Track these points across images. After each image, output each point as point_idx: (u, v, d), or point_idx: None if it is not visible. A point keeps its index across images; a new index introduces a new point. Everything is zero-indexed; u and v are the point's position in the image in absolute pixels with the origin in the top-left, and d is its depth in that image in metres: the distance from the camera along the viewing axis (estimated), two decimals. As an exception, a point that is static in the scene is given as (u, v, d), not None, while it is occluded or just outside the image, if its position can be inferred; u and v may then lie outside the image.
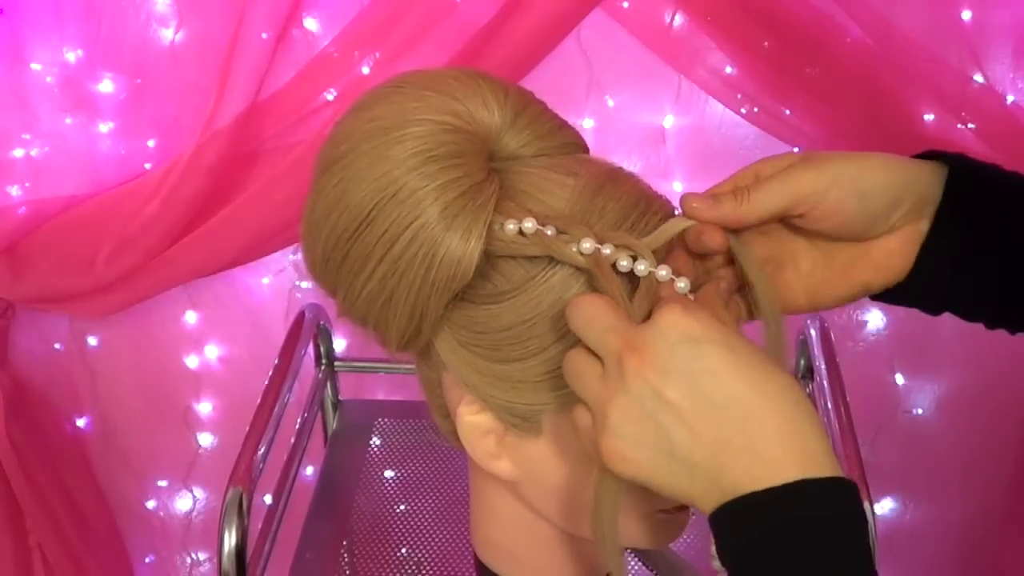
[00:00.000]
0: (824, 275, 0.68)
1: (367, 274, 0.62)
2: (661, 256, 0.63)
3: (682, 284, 0.62)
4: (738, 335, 0.57)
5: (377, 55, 1.37)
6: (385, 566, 1.22)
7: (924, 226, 0.66)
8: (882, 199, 0.65)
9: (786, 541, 0.53)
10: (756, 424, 0.54)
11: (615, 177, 0.65)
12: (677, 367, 0.55)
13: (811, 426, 0.55)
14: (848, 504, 0.54)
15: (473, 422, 0.67)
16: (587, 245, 0.61)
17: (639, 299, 0.60)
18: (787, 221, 0.66)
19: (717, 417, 0.55)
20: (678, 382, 0.55)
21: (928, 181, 0.66)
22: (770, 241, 0.68)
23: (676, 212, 0.66)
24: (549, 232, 0.61)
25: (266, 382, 1.19)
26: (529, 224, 0.61)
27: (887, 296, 0.69)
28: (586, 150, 0.69)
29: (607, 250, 0.61)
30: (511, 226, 0.62)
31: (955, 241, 0.66)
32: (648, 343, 0.56)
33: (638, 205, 0.64)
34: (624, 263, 0.61)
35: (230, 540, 1.02)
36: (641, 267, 0.61)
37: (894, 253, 0.67)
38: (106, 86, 1.45)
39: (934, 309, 0.70)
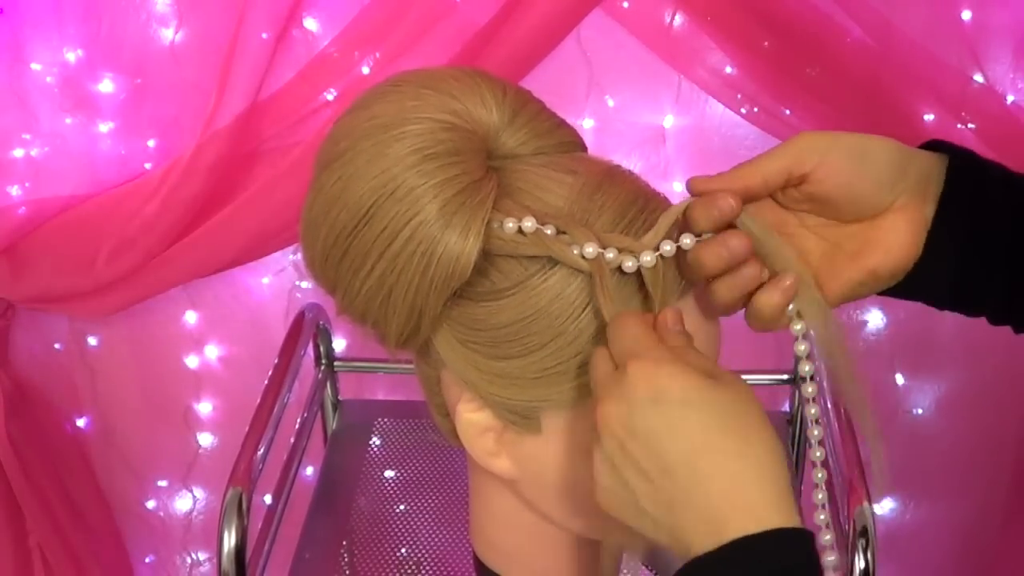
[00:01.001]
0: (833, 264, 0.68)
1: (366, 271, 0.63)
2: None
3: (668, 247, 0.62)
4: (705, 386, 0.57)
5: (377, 55, 1.37)
6: (385, 566, 1.22)
7: (929, 211, 0.66)
8: (884, 163, 0.65)
9: None
10: (703, 484, 0.56)
11: (613, 175, 0.65)
12: (638, 426, 0.57)
13: (760, 478, 0.56)
14: (791, 555, 0.55)
15: (472, 420, 0.67)
16: (590, 250, 0.61)
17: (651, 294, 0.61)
18: (793, 198, 0.66)
19: (671, 476, 0.57)
20: (639, 441, 0.58)
21: (930, 162, 0.66)
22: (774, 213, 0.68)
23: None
24: (548, 231, 0.62)
25: (266, 382, 1.19)
26: (529, 223, 0.62)
27: (895, 290, 0.69)
28: (584, 149, 0.69)
29: (610, 254, 0.61)
30: (510, 224, 0.62)
31: (961, 224, 0.66)
32: (614, 398, 0.58)
33: (636, 203, 0.64)
34: (629, 264, 0.61)
35: (230, 540, 1.02)
36: (648, 258, 0.61)
37: (901, 235, 0.66)
38: (106, 86, 1.45)
39: (940, 300, 0.70)
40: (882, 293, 0.69)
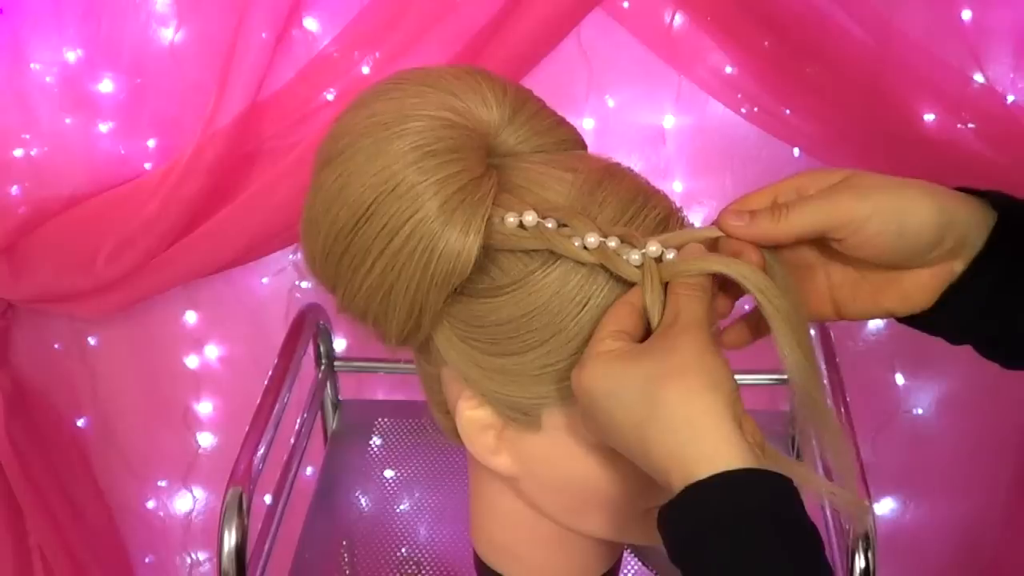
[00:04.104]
0: (852, 292, 0.67)
1: (366, 268, 0.63)
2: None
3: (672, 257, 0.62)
4: (618, 371, 0.58)
5: (377, 55, 1.37)
6: (385, 566, 1.22)
7: (958, 267, 0.64)
8: (922, 238, 0.62)
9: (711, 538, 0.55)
10: (649, 455, 0.57)
11: (613, 173, 0.65)
12: (595, 425, 0.60)
13: (690, 432, 0.56)
14: (732, 500, 0.54)
15: (472, 417, 0.67)
16: (592, 240, 0.61)
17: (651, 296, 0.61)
18: (822, 245, 0.65)
19: (634, 458, 0.59)
20: (606, 438, 0.61)
21: (971, 222, 0.63)
22: (806, 247, 0.67)
23: (675, 208, 0.66)
24: (549, 225, 0.62)
25: (266, 382, 1.19)
26: (530, 217, 0.62)
27: (910, 321, 0.68)
28: (584, 147, 0.69)
29: (612, 243, 0.61)
30: (511, 219, 0.62)
31: (985, 287, 0.64)
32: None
33: (636, 199, 0.64)
34: (636, 257, 0.61)
35: (230, 540, 1.02)
36: (653, 248, 0.61)
37: (923, 288, 0.65)
38: (106, 86, 1.45)
39: (955, 342, 0.69)
40: (899, 320, 0.68)
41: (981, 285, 0.64)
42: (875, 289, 0.66)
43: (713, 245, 0.64)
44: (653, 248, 0.61)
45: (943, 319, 0.66)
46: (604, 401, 0.58)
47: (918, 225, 0.62)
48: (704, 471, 0.54)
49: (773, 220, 0.62)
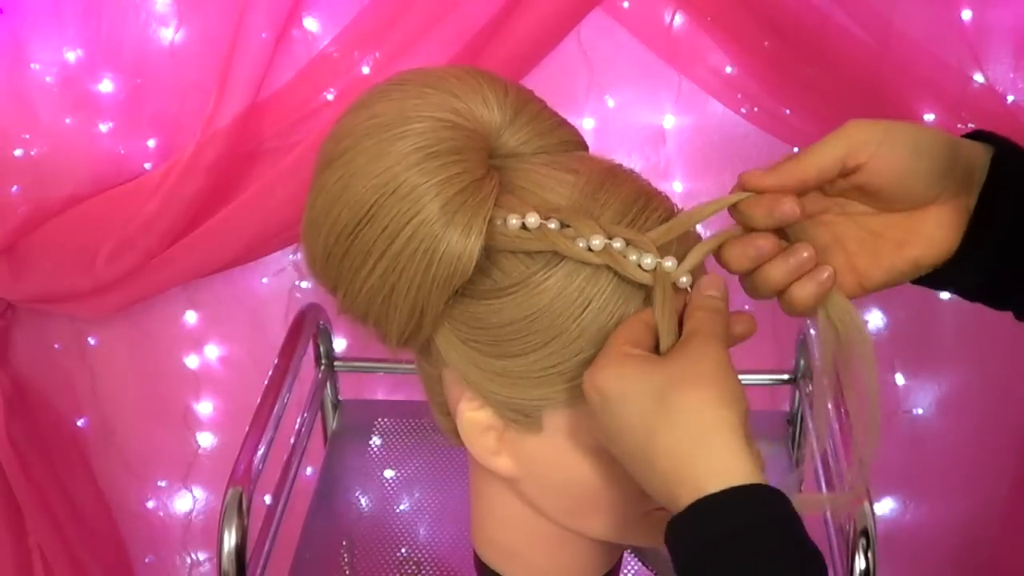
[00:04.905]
0: (873, 254, 0.67)
1: (368, 270, 0.63)
2: (670, 249, 0.63)
3: (684, 279, 0.63)
4: (636, 374, 0.58)
5: (377, 55, 1.37)
6: (385, 566, 1.22)
7: (971, 202, 0.66)
8: (936, 158, 0.64)
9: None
10: (653, 466, 0.58)
11: (615, 174, 0.65)
12: (604, 430, 0.60)
13: (697, 445, 0.56)
14: (738, 514, 0.55)
15: (473, 418, 0.67)
16: (597, 241, 0.61)
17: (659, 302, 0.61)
18: (839, 187, 0.66)
19: (637, 464, 0.59)
20: (611, 443, 0.61)
21: (975, 152, 0.66)
22: (816, 227, 0.68)
23: (676, 210, 0.66)
24: (552, 226, 0.62)
25: (266, 382, 1.19)
26: (532, 219, 0.62)
27: (927, 279, 0.68)
28: (585, 148, 0.69)
29: (617, 244, 0.61)
30: (514, 221, 0.62)
31: (999, 217, 0.65)
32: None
33: (638, 201, 0.64)
34: (648, 261, 0.61)
35: (230, 540, 1.02)
36: (647, 261, 0.61)
37: (945, 227, 0.66)
38: (106, 86, 1.45)
39: (969, 292, 0.69)
40: (914, 282, 0.69)
41: (1001, 214, 0.65)
42: (898, 242, 0.67)
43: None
44: (668, 264, 0.61)
45: (967, 259, 0.66)
46: (616, 404, 0.58)
47: (930, 144, 0.64)
48: (715, 485, 0.55)
49: (795, 161, 0.63)
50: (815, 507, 0.65)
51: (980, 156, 0.66)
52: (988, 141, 0.68)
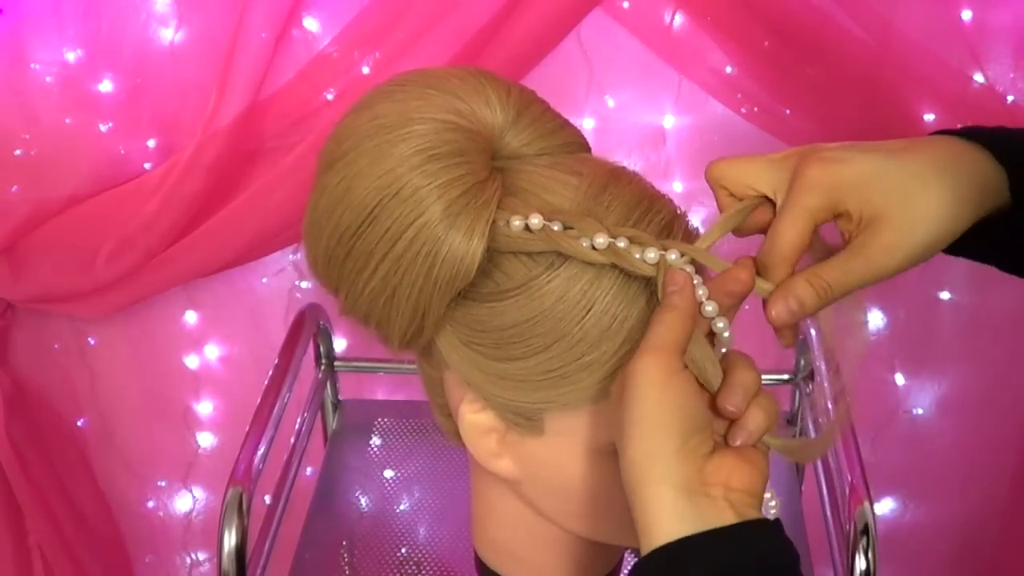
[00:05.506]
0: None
1: (369, 272, 0.63)
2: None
3: (689, 270, 0.62)
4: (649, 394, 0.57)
5: (377, 55, 1.37)
6: (385, 566, 1.22)
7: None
8: (949, 234, 0.64)
9: None
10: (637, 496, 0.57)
11: (618, 176, 0.65)
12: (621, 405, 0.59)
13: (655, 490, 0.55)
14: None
15: (475, 421, 0.67)
16: (601, 240, 0.61)
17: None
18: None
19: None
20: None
21: (975, 158, 0.66)
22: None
23: (679, 212, 0.66)
24: (556, 228, 0.61)
25: (266, 382, 1.19)
26: (535, 220, 0.61)
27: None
28: (588, 149, 0.69)
29: (621, 243, 0.61)
30: (517, 222, 0.62)
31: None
32: None
33: (641, 204, 0.64)
34: (652, 255, 0.61)
35: (230, 540, 1.02)
36: (651, 255, 0.61)
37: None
38: (106, 86, 1.45)
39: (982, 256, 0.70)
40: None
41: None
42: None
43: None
44: (673, 257, 0.61)
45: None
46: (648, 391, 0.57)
47: (948, 234, 0.63)
48: (656, 540, 0.55)
49: (819, 299, 0.63)
50: (806, 454, 0.64)
51: (996, 181, 0.66)
52: (989, 146, 0.67)
